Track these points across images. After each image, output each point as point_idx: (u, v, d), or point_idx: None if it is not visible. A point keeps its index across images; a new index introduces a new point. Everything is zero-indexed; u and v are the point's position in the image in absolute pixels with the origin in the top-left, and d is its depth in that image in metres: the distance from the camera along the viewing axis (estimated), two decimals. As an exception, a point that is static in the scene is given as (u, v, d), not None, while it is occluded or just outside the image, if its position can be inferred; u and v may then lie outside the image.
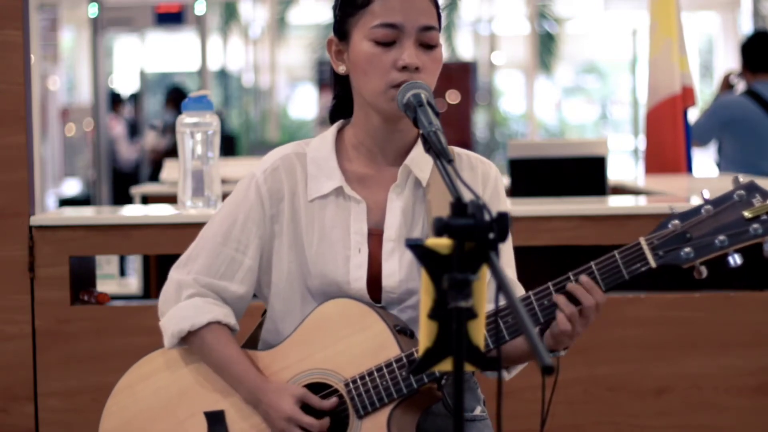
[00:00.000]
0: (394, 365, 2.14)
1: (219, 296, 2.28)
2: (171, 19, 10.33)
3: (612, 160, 4.93)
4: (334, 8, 2.26)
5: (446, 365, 1.63)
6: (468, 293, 1.57)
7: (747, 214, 2.02)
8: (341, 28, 2.22)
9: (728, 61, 13.63)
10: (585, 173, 4.57)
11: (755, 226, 2.02)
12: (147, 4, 10.20)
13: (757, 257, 3.97)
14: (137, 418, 2.28)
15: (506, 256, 2.29)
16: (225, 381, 2.24)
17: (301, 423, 2.15)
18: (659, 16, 5.34)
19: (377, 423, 2.14)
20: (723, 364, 3.40)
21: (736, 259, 2.04)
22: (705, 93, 13.92)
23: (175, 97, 11.34)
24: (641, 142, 12.00)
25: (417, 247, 1.62)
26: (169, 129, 9.88)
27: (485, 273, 1.60)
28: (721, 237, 2.03)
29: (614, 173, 5.24)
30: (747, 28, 13.00)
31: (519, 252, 2.35)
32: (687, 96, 5.32)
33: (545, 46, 15.34)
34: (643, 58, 13.65)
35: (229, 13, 16.27)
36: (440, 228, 1.59)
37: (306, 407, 2.17)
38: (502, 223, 1.59)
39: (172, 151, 9.62)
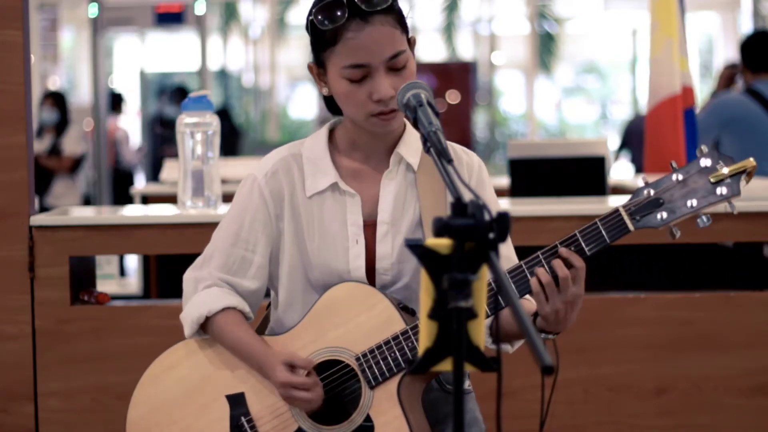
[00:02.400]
0: (401, 337, 2.24)
1: (234, 290, 2.39)
2: (171, 19, 10.33)
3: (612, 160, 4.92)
4: (307, 29, 2.31)
5: (446, 365, 1.63)
6: (468, 293, 1.57)
7: (712, 178, 2.20)
8: (317, 58, 2.30)
9: (728, 61, 13.63)
10: (585, 173, 4.57)
11: (720, 188, 2.20)
12: (147, 4, 10.19)
13: (757, 257, 3.98)
14: (163, 406, 2.38)
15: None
16: (241, 361, 2.34)
17: (293, 384, 2.24)
18: (660, 16, 5.33)
19: (388, 391, 2.25)
20: (723, 364, 3.40)
21: (704, 221, 2.19)
22: (705, 93, 13.92)
23: (178, 96, 11.32)
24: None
25: (417, 247, 1.62)
26: (48, 129, 9.34)
27: (485, 273, 1.60)
28: (691, 200, 2.20)
29: (614, 173, 5.24)
30: (747, 28, 13.00)
31: (519, 252, 2.37)
32: (687, 96, 5.32)
33: (545, 46, 15.35)
34: (643, 58, 13.66)
35: (229, 13, 16.28)
36: (440, 228, 1.59)
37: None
38: (502, 223, 1.60)
39: (51, 152, 9.17)
